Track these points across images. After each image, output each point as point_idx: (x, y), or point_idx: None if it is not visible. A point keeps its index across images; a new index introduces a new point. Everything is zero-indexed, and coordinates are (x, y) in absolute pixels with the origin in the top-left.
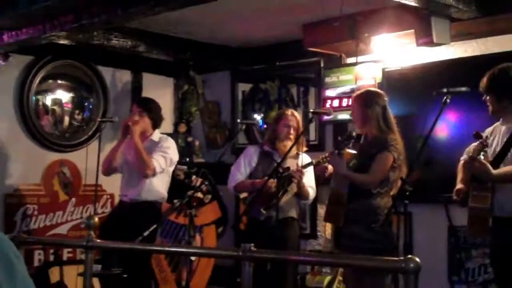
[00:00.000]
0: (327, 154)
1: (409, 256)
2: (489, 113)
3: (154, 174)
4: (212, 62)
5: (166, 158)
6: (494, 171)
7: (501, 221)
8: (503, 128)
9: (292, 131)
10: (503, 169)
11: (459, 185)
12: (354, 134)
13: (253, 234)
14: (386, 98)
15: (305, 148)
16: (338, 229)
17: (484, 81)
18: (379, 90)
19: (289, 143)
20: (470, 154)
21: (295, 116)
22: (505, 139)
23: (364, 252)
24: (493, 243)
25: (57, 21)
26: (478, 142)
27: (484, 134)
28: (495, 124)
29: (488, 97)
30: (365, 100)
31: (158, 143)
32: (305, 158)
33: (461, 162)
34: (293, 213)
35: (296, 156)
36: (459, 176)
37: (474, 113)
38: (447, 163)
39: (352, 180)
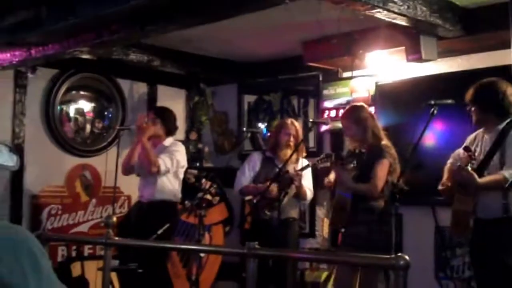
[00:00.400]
0: (323, 156)
1: (399, 254)
2: (472, 123)
3: (158, 171)
4: (220, 75)
5: (172, 159)
6: (478, 180)
7: (482, 222)
8: (486, 137)
9: (292, 139)
10: (486, 178)
11: (445, 180)
12: (357, 151)
13: (257, 233)
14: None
15: (304, 154)
16: (335, 229)
17: (470, 93)
18: (360, 103)
19: (289, 150)
20: (459, 164)
21: (294, 125)
22: (487, 148)
23: (366, 251)
24: (474, 243)
25: (80, 38)
26: (466, 154)
27: (467, 141)
28: (476, 132)
29: (473, 108)
30: (358, 115)
31: (168, 147)
32: (304, 163)
33: (448, 165)
34: (294, 214)
35: (296, 161)
36: (446, 175)
37: (458, 123)
38: (435, 168)
39: (357, 192)
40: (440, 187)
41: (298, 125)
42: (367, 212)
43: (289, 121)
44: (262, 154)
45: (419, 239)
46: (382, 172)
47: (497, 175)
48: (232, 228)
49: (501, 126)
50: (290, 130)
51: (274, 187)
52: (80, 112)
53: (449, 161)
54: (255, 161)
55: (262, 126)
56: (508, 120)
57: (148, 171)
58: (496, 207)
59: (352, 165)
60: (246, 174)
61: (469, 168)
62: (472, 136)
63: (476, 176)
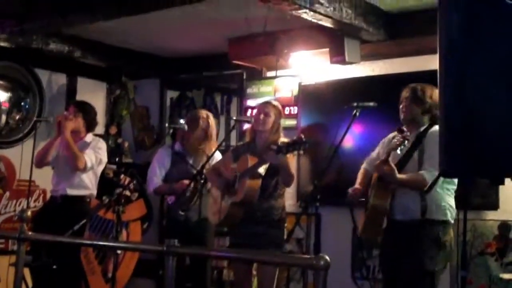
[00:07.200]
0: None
1: (320, 254)
2: (398, 121)
3: (85, 168)
4: (143, 69)
5: (96, 156)
6: (398, 176)
7: (398, 225)
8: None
9: (207, 133)
10: (407, 176)
11: (356, 185)
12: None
13: (174, 231)
14: None
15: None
16: (235, 228)
17: (407, 90)
18: None
19: (203, 145)
20: (387, 148)
21: (208, 117)
22: (409, 146)
23: (267, 248)
24: (388, 246)
25: None
26: (400, 136)
27: (384, 141)
28: (394, 133)
29: (405, 105)
30: (280, 111)
31: (90, 143)
32: (217, 156)
33: (361, 170)
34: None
35: (209, 155)
36: (359, 180)
37: (379, 125)
38: (354, 170)
39: (291, 177)
40: (350, 191)
41: (210, 116)
42: (270, 210)
43: (203, 114)
44: (169, 148)
45: (337, 239)
46: (292, 165)
47: (417, 175)
48: (150, 225)
49: (422, 128)
50: (203, 123)
51: (188, 184)
52: None
53: (363, 166)
54: (164, 158)
55: (184, 122)
56: (430, 123)
57: (74, 167)
58: (415, 208)
59: (249, 156)
60: (157, 173)
61: (399, 152)
62: (390, 136)
63: (396, 171)
